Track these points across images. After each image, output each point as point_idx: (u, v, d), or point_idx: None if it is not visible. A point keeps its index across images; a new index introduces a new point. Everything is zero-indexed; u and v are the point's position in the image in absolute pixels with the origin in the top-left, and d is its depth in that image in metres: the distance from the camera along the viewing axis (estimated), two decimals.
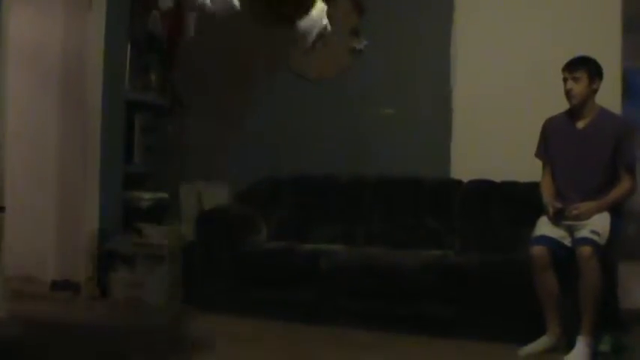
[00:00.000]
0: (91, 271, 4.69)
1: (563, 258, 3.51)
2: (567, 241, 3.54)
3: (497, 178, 4.40)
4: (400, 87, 4.90)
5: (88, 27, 4.75)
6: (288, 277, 4.19)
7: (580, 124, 3.72)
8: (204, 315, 4.13)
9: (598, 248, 3.39)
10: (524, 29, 4.59)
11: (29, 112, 4.81)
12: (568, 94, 3.68)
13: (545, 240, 3.56)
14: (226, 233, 4.44)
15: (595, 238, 3.40)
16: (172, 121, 5.35)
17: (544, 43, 4.48)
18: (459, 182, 4.55)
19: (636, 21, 4.38)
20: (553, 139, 3.81)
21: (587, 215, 3.50)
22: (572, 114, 3.74)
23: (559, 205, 3.61)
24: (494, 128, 4.55)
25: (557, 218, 3.60)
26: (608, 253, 3.48)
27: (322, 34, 4.50)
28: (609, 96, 3.98)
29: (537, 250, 3.54)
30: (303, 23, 4.37)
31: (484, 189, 4.45)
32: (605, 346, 3.45)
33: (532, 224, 3.68)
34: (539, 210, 3.73)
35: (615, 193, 3.59)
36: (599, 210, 3.52)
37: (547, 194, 3.75)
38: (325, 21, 4.50)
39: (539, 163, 3.88)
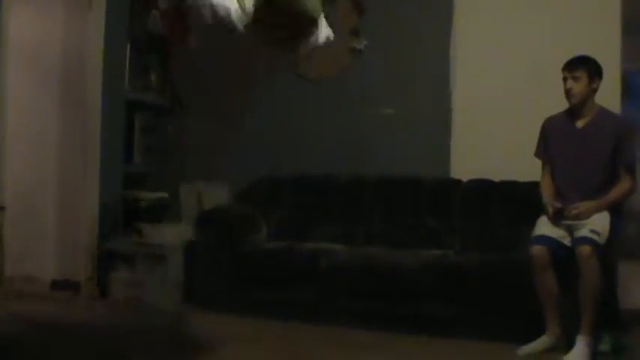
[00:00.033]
0: (91, 270, 4.69)
1: (563, 258, 3.51)
2: (567, 241, 3.55)
3: (497, 178, 4.41)
4: (400, 87, 4.90)
5: (88, 27, 4.74)
6: (288, 277, 4.19)
7: (580, 124, 3.72)
8: (204, 315, 4.13)
9: (598, 248, 3.39)
10: (524, 30, 4.59)
11: (29, 112, 4.81)
12: (568, 93, 3.68)
13: (544, 240, 3.56)
14: (226, 233, 4.44)
15: (595, 237, 3.40)
16: (172, 121, 5.35)
17: (544, 44, 4.48)
18: (459, 182, 4.55)
19: (635, 23, 4.38)
20: (553, 139, 3.81)
21: (587, 215, 3.50)
22: (572, 113, 3.74)
23: (559, 204, 3.62)
24: (494, 128, 4.55)
25: (556, 218, 3.60)
26: (608, 253, 3.48)
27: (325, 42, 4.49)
28: (609, 96, 3.98)
29: (537, 250, 3.54)
30: (305, 46, 4.35)
31: (484, 189, 4.45)
32: (604, 346, 3.45)
33: (532, 224, 3.69)
34: (538, 209, 3.73)
35: (615, 193, 3.59)
36: (598, 209, 3.52)
37: (547, 194, 3.75)
38: (327, 31, 4.48)
39: (538, 162, 3.88)
